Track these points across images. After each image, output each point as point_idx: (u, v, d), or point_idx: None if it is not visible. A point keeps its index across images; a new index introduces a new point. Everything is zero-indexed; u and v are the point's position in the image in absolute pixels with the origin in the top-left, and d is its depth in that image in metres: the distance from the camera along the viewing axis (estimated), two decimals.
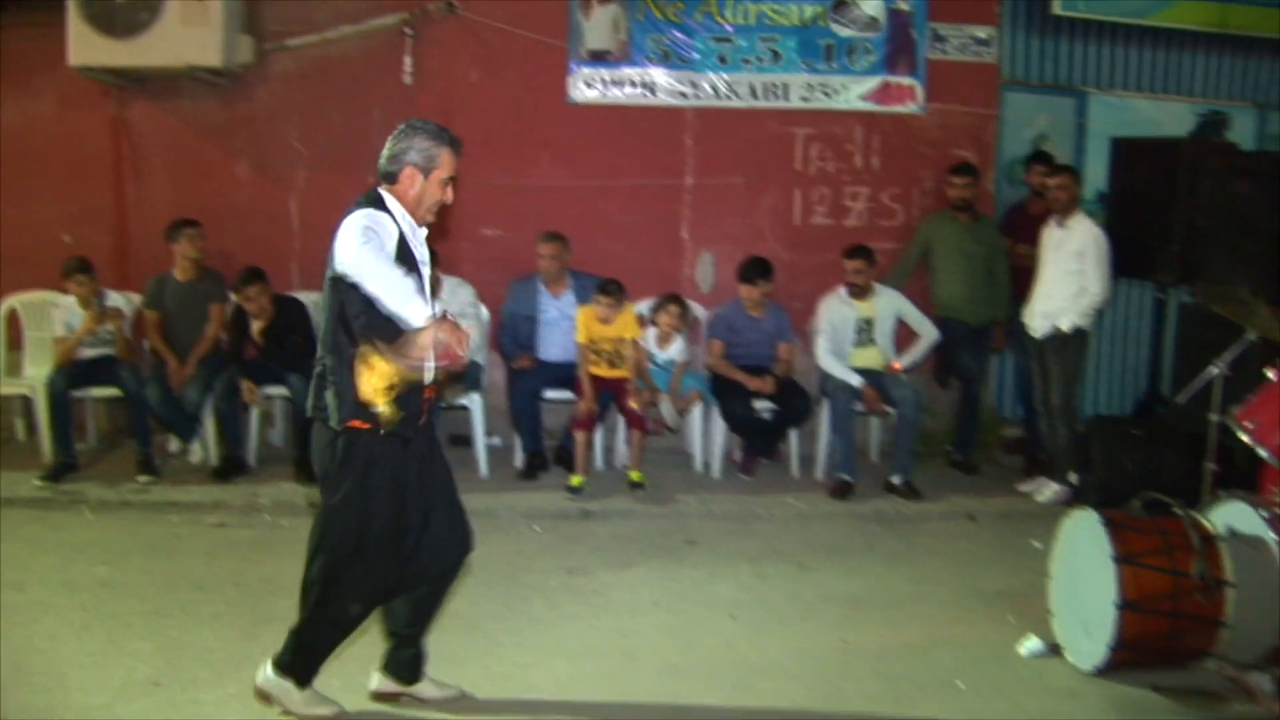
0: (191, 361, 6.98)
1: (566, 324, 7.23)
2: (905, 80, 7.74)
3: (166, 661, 4.49)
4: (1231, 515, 4.76)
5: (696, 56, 7.64)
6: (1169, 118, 8.35)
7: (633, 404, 6.91)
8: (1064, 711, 4.32)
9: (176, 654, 4.57)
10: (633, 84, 7.64)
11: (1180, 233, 6.60)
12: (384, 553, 3.84)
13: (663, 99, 7.66)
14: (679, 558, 5.96)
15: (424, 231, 3.88)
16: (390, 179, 3.80)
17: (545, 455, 7.18)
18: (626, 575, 5.66)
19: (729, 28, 7.63)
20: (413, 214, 3.81)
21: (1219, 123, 8.43)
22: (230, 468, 6.86)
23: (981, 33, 7.79)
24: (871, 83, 7.73)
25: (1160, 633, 4.46)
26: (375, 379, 3.57)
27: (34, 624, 4.82)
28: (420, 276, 3.73)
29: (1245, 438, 5.18)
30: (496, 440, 7.47)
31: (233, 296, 7.09)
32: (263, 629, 4.76)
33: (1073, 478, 6.74)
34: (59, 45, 7.09)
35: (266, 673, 3.99)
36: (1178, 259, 6.65)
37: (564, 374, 7.13)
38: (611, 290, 6.88)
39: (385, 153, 3.81)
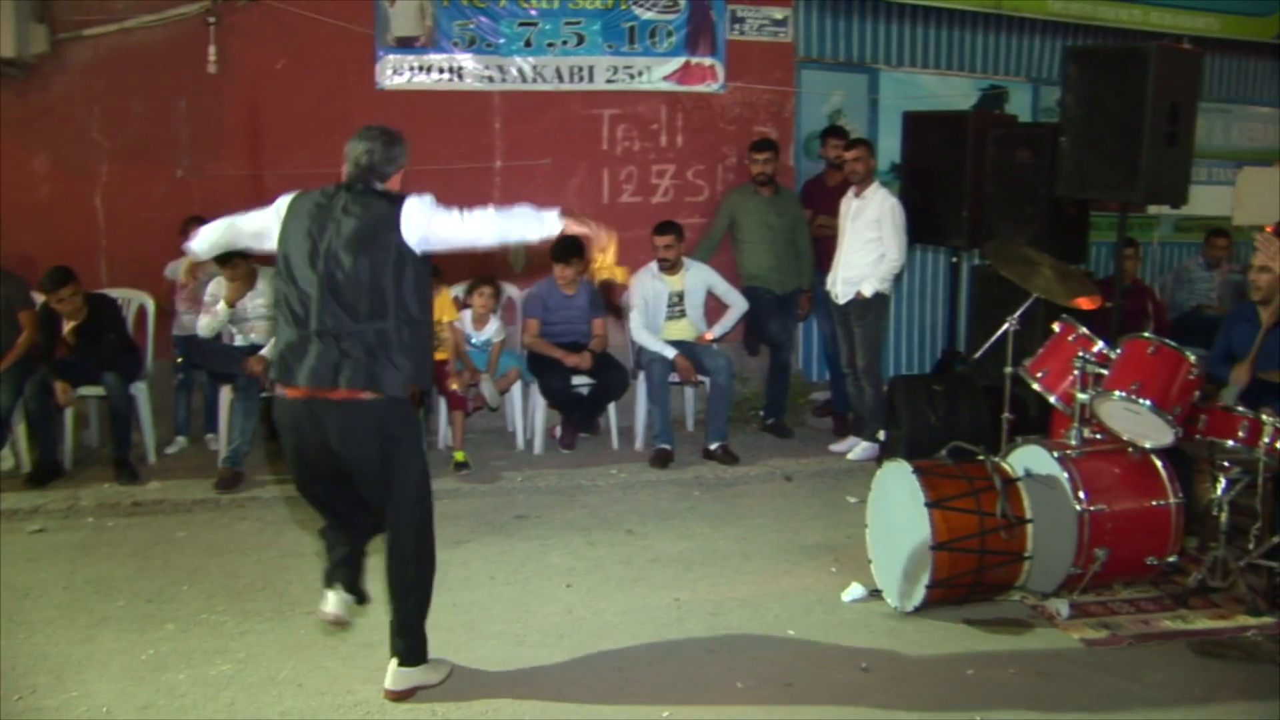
0: (2, 366, 6.81)
1: None
2: (706, 60, 8.05)
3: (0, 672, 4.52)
4: (1028, 458, 5.31)
5: (502, 41, 7.79)
6: (953, 92, 8.88)
7: (453, 385, 7.06)
8: (888, 648, 4.68)
9: (10, 664, 4.52)
10: (440, 70, 7.73)
11: (969, 199, 7.10)
12: None
13: (470, 84, 7.78)
14: (509, 532, 6.17)
15: None
16: (384, 178, 4.14)
17: None
18: (459, 552, 5.81)
19: (533, 12, 7.80)
20: None
21: (998, 97, 9.00)
22: (45, 472, 6.72)
23: (778, 13, 8.17)
24: (674, 64, 8.02)
25: (970, 570, 4.92)
26: None
27: None
28: None
29: (1036, 386, 5.70)
30: None
31: (39, 298, 6.92)
32: (98, 630, 4.81)
33: (880, 434, 7.21)
34: None
35: (398, 674, 4.18)
36: (968, 224, 7.14)
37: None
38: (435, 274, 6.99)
39: (376, 154, 4.12)
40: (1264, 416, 5.04)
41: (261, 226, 4.23)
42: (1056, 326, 5.72)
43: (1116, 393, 5.15)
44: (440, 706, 4.16)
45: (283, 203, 4.17)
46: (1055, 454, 5.16)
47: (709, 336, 7.54)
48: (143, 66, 7.42)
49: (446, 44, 7.70)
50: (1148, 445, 5.18)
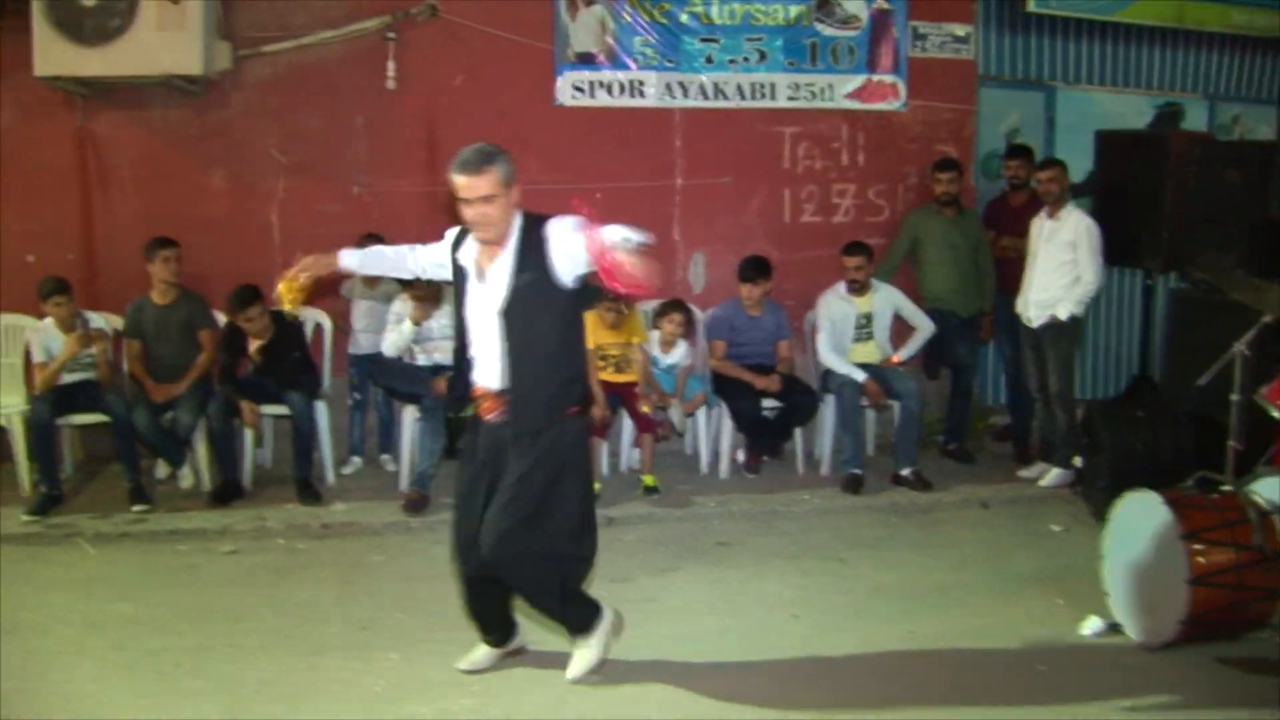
0: (183, 384, 6.53)
1: None
2: (887, 78, 7.68)
3: (233, 699, 4.15)
4: (1273, 489, 4.75)
5: (683, 57, 7.45)
6: (1129, 109, 8.46)
7: (643, 408, 6.70)
8: (1142, 687, 4.29)
9: (238, 690, 4.22)
10: (620, 86, 7.41)
11: (1168, 220, 6.65)
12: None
13: (651, 100, 7.45)
14: (716, 560, 5.79)
15: (511, 247, 4.03)
16: None
17: None
18: (672, 580, 5.46)
19: (715, 28, 7.47)
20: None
21: (1175, 114, 8.57)
22: (227, 492, 6.43)
23: (959, 30, 7.78)
24: (855, 81, 7.65)
25: (1223, 606, 4.46)
26: None
27: (73, 668, 4.41)
28: (465, 280, 4.12)
29: (1277, 414, 5.23)
30: None
31: (221, 318, 6.69)
32: (319, 659, 4.51)
33: (1076, 461, 6.73)
34: (17, 52, 6.57)
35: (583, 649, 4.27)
36: (1167, 246, 6.69)
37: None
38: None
39: None
40: None
41: (436, 258, 4.30)
42: None
43: None
44: None
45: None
46: None
47: (896, 359, 7.13)
48: (320, 82, 7.16)
49: (626, 60, 7.39)
50: None
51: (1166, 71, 8.69)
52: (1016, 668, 4.48)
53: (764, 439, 7.17)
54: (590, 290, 4.30)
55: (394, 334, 6.55)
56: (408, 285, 6.49)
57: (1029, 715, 4.06)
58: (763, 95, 7.55)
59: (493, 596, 4.31)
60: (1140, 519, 4.71)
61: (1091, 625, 4.81)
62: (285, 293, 4.34)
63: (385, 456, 7.21)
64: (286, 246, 7.14)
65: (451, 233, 4.20)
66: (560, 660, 4.32)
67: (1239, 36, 8.54)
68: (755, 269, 7.00)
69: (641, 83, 7.42)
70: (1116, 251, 6.86)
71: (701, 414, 7.13)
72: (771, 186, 7.69)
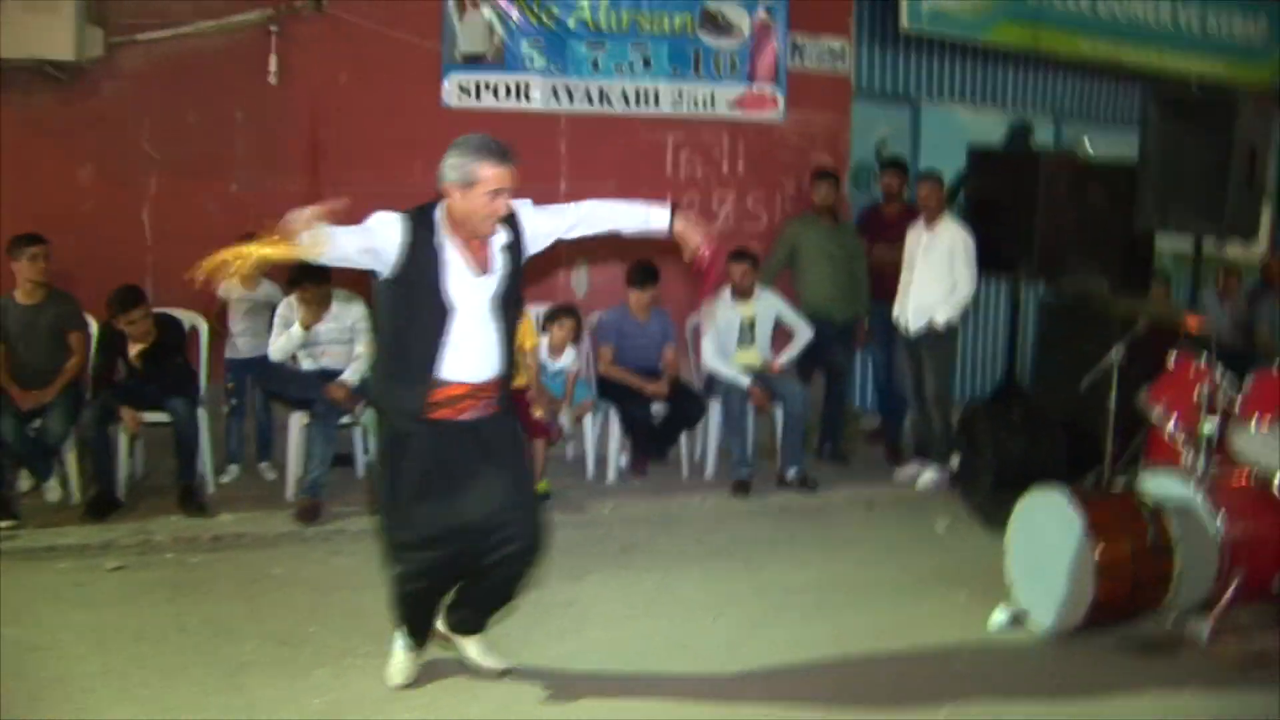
0: (53, 390, 6.14)
1: None
2: (767, 89, 7.83)
3: None
4: (1160, 486, 5.17)
5: (570, 62, 7.43)
6: (983, 126, 8.85)
7: (536, 412, 6.66)
8: (1057, 672, 4.63)
9: (164, 716, 4.02)
10: (507, 89, 7.34)
11: (1040, 234, 7.01)
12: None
13: (537, 105, 7.41)
14: (623, 564, 5.83)
15: (499, 236, 3.96)
16: (439, 193, 3.93)
17: None
18: (586, 586, 5.45)
19: (602, 34, 7.47)
20: (461, 227, 3.88)
21: (1026, 130, 9.01)
22: (103, 505, 6.03)
23: (836, 44, 8.00)
24: (737, 91, 7.77)
25: (1124, 594, 4.80)
26: None
27: None
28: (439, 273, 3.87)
29: (1155, 416, 5.60)
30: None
31: (93, 322, 6.34)
32: (241, 677, 4.34)
33: (953, 462, 7.03)
34: None
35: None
36: (1038, 258, 7.05)
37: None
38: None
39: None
40: None
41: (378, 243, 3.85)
42: (1173, 358, 5.68)
43: (1254, 422, 5.13)
44: None
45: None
46: (1189, 481, 5.06)
47: (778, 365, 7.29)
48: (199, 75, 6.83)
49: (515, 63, 7.31)
50: (1274, 471, 5.13)
51: (1020, 91, 9.17)
52: (944, 662, 4.70)
53: (651, 444, 7.23)
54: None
55: (282, 338, 6.32)
56: (295, 287, 6.29)
57: (970, 712, 4.25)
58: (647, 103, 7.60)
59: (443, 592, 4.23)
60: (1046, 515, 5.01)
61: (999, 617, 5.06)
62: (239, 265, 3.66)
63: (264, 464, 6.95)
64: (159, 246, 6.83)
65: (392, 217, 3.82)
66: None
67: (1084, 63, 9.05)
68: (644, 274, 7.05)
69: (528, 86, 7.37)
70: (988, 262, 7.18)
71: (588, 419, 7.15)
72: (654, 193, 7.61)
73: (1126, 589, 4.78)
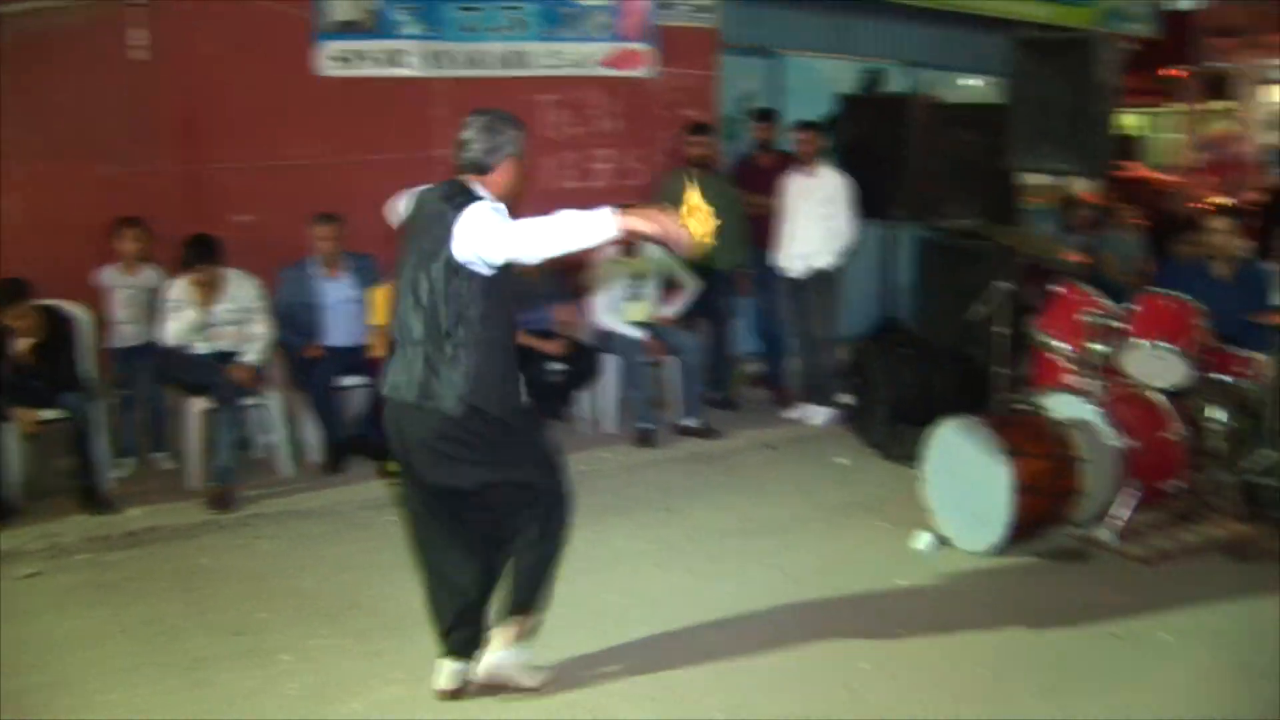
0: None
1: (350, 308, 6.75)
2: (638, 46, 7.87)
3: None
4: (1062, 406, 5.55)
5: (445, 27, 7.30)
6: (840, 75, 9.12)
7: None
8: (989, 587, 5.02)
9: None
10: (382, 55, 7.16)
11: (914, 176, 7.31)
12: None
13: (412, 70, 7.26)
14: None
15: None
16: (483, 170, 3.77)
17: (345, 446, 6.70)
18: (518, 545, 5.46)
19: None
20: (502, 200, 3.75)
21: (878, 78, 9.31)
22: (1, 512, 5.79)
23: (701, 0, 8.08)
24: (609, 48, 7.79)
25: (1043, 509, 5.17)
26: None
27: None
28: None
29: (1047, 341, 5.96)
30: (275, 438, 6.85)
31: None
32: (206, 672, 4.26)
33: (846, 399, 7.32)
34: None
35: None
36: (914, 199, 7.36)
37: (353, 359, 6.66)
38: None
39: (476, 145, 3.78)
40: (1255, 354, 5.58)
41: None
42: (1058, 287, 6.07)
43: (1144, 341, 5.55)
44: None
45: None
46: (1086, 400, 5.48)
47: (668, 316, 7.41)
48: (61, 51, 6.42)
49: (388, 29, 7.14)
50: (1162, 386, 5.58)
51: (874, 41, 9.41)
52: (887, 584, 5.01)
53: (550, 403, 7.28)
54: None
55: (175, 322, 6.11)
56: (187, 269, 6.08)
57: (916, 623, 4.57)
58: (522, 64, 7.56)
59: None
60: (962, 442, 5.31)
61: (923, 541, 5.39)
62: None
63: (159, 455, 6.70)
64: (21, 238, 6.32)
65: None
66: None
67: (929, 10, 9.36)
68: None
69: (403, 52, 7.22)
70: (864, 205, 7.45)
71: None
72: (533, 154, 7.68)
73: (1043, 504, 5.13)
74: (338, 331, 6.75)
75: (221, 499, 5.97)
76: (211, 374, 6.12)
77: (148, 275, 6.51)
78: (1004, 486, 5.02)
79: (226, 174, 6.77)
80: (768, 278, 7.76)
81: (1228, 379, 5.66)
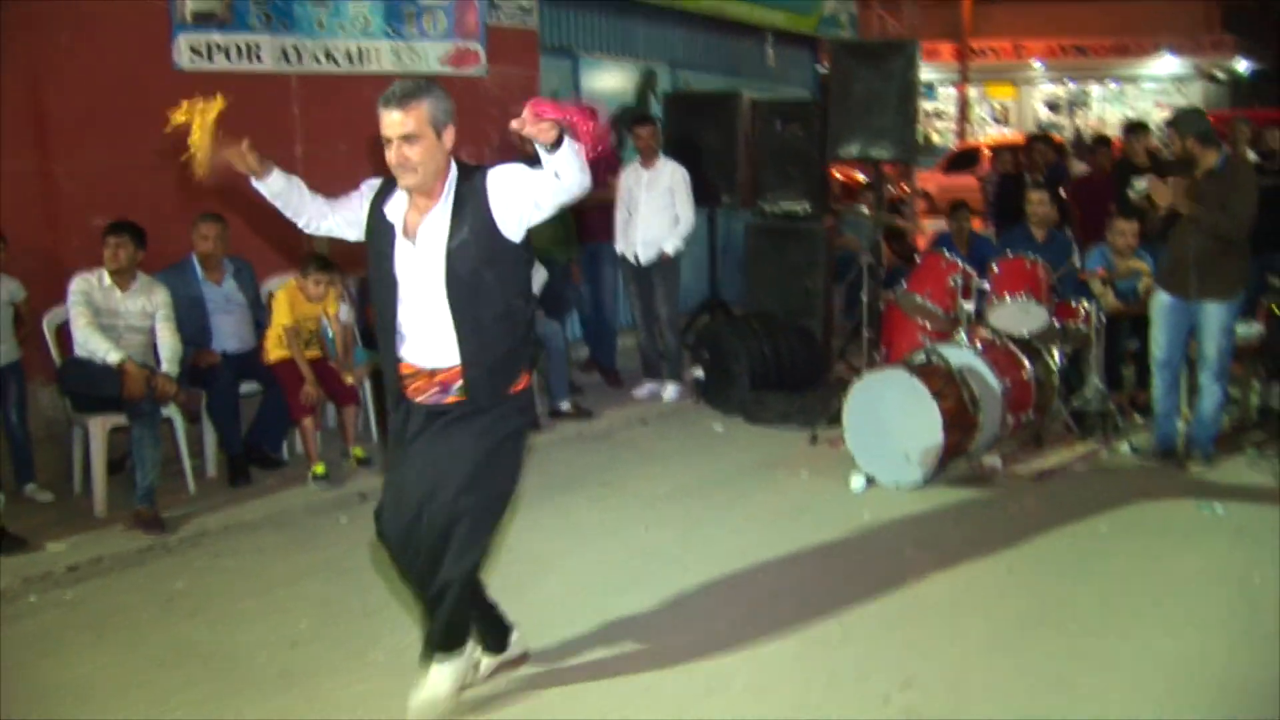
0: None
1: (236, 310, 6.34)
2: (472, 45, 7.83)
3: None
4: (951, 356, 6.19)
5: (297, 22, 6.94)
6: (619, 74, 9.47)
7: (347, 379, 6.35)
8: (926, 510, 5.67)
9: None
10: (238, 50, 6.69)
11: (741, 165, 7.84)
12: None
13: (267, 66, 6.84)
14: None
15: (442, 200, 3.48)
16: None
17: (246, 456, 6.26)
18: None
19: None
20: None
21: (651, 78, 9.76)
22: None
23: (525, 1, 8.14)
24: (446, 47, 7.69)
25: (958, 443, 5.88)
26: None
27: None
28: (391, 241, 3.49)
29: (920, 302, 6.67)
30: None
31: None
32: (275, 695, 3.95)
33: (697, 372, 7.73)
34: None
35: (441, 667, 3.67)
36: (743, 187, 7.91)
37: (244, 365, 6.27)
38: (326, 265, 6.21)
39: None
40: (1084, 304, 6.62)
41: (349, 214, 3.69)
42: (922, 256, 6.85)
43: (1007, 296, 6.41)
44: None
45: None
46: (972, 349, 6.24)
47: None
48: None
49: (244, 23, 6.67)
50: (1025, 333, 6.48)
51: (647, 43, 9.85)
52: (850, 524, 5.46)
53: None
54: (528, 244, 3.58)
55: (82, 316, 5.56)
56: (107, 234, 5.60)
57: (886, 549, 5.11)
58: (370, 61, 7.31)
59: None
60: (887, 390, 5.88)
61: (857, 481, 5.95)
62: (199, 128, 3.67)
63: (30, 486, 5.91)
64: None
65: (372, 184, 3.62)
66: None
67: (690, 15, 9.94)
68: None
69: (258, 46, 6.79)
70: (696, 194, 7.88)
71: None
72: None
73: (956, 439, 5.83)
74: (225, 337, 6.30)
75: (152, 521, 5.43)
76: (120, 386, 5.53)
77: (8, 288, 5.76)
78: (935, 426, 5.67)
79: (81, 175, 6.09)
80: (593, 268, 8.05)
81: (1062, 325, 6.66)
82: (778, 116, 7.90)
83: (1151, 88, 23.58)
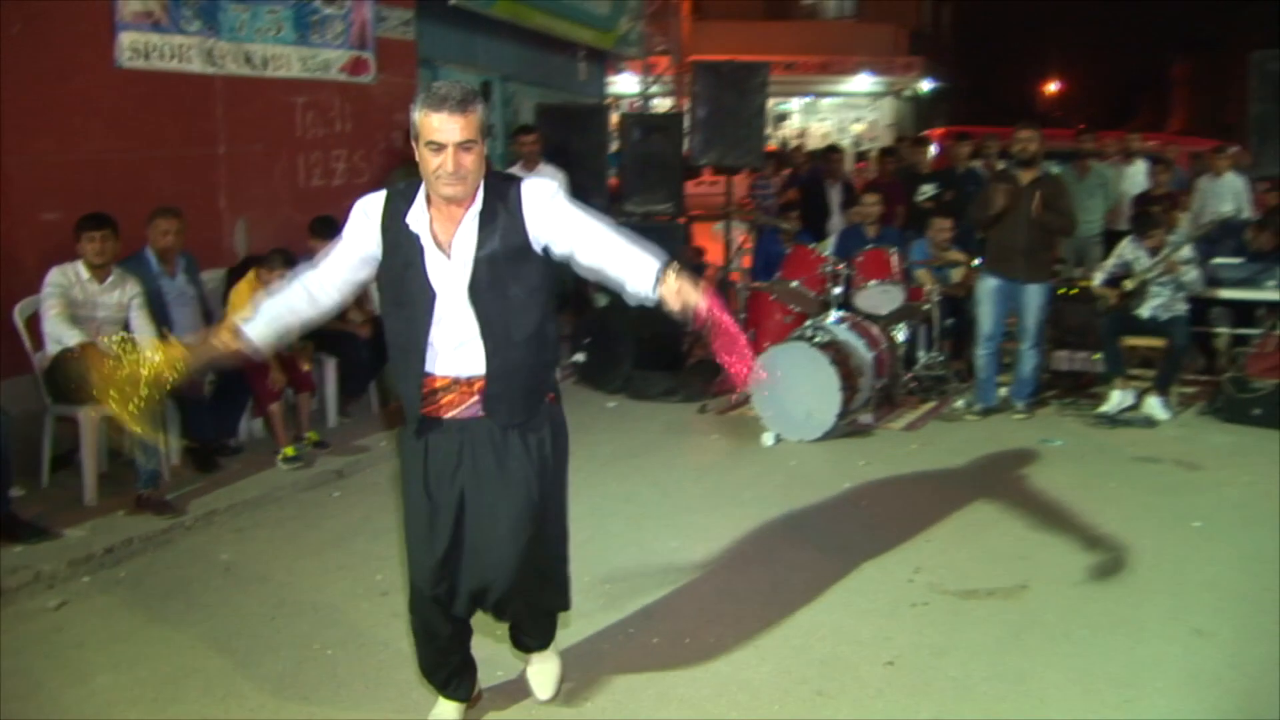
0: None
1: (190, 303, 6.43)
2: (364, 54, 8.07)
3: None
4: (833, 330, 7.22)
5: (222, 25, 6.98)
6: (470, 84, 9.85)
7: (306, 366, 6.56)
8: (829, 457, 6.63)
9: None
10: (170, 50, 6.67)
11: (608, 170, 8.58)
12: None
13: (196, 67, 6.85)
14: None
15: (474, 208, 3.23)
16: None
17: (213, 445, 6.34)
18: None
19: None
20: (431, 189, 3.22)
21: (488, 89, 10.23)
22: None
23: (405, 14, 8.44)
24: (345, 55, 7.90)
25: (849, 400, 6.88)
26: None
27: None
28: (420, 253, 3.23)
29: (793, 289, 7.63)
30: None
31: None
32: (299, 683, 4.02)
33: (579, 356, 8.35)
34: None
35: (547, 660, 3.78)
36: (609, 189, 8.62)
37: None
38: (290, 260, 6.37)
39: None
40: (926, 285, 7.88)
41: (353, 255, 3.40)
42: (790, 247, 7.85)
43: (871, 281, 7.51)
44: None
45: None
46: (846, 326, 7.29)
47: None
48: None
49: (176, 24, 6.65)
50: (885, 312, 7.61)
51: (485, 56, 10.28)
52: (777, 469, 6.34)
53: (355, 383, 7.39)
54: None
55: (54, 309, 5.56)
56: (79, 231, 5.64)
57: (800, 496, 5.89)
58: (281, 67, 7.44)
59: (465, 636, 3.59)
60: (791, 361, 6.76)
61: (769, 438, 6.84)
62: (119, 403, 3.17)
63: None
64: None
65: (372, 202, 3.32)
66: None
67: (520, 30, 10.48)
68: (326, 226, 7.06)
69: (188, 48, 6.78)
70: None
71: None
72: (290, 154, 7.64)
73: (851, 397, 6.87)
74: (183, 329, 6.30)
75: (162, 504, 5.51)
76: None
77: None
78: (834, 388, 6.68)
79: (34, 168, 5.96)
80: None
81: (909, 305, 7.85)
82: (641, 127, 8.71)
83: (836, 101, 26.13)
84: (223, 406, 6.47)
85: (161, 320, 6.18)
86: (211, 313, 6.50)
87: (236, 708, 3.78)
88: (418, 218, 3.21)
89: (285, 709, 3.77)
